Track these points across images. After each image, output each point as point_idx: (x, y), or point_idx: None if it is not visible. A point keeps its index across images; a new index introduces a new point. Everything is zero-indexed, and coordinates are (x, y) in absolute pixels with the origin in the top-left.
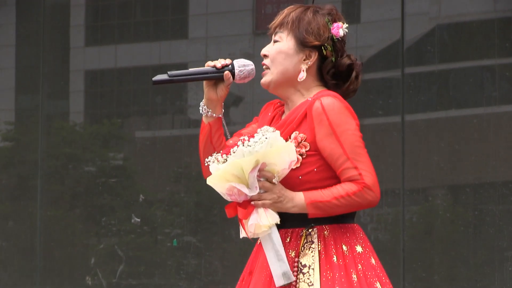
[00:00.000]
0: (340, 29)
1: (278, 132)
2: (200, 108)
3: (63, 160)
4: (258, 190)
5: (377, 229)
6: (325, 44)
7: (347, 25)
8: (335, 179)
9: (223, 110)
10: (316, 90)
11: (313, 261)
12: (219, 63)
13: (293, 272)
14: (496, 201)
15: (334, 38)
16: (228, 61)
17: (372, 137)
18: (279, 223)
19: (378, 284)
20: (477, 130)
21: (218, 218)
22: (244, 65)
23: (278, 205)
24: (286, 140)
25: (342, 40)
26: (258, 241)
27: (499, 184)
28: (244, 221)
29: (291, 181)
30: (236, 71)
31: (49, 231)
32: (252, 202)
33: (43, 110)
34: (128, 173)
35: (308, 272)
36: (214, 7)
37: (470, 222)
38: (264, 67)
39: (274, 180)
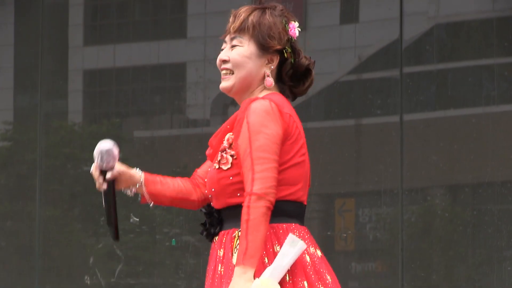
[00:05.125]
0: (295, 29)
1: None
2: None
3: (61, 159)
4: None
5: (376, 229)
6: (286, 47)
7: (297, 23)
8: None
9: (142, 175)
10: (265, 92)
11: None
12: (98, 183)
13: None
14: (494, 201)
15: (292, 39)
16: (96, 175)
17: (371, 137)
18: None
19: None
20: (476, 129)
21: None
22: (99, 153)
23: None
24: (222, 142)
25: (296, 39)
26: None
27: (497, 183)
28: None
29: (222, 181)
30: (104, 165)
31: (48, 230)
32: None
33: (41, 110)
34: None
35: None
36: (212, 6)
37: (469, 222)
38: (224, 72)
39: None
